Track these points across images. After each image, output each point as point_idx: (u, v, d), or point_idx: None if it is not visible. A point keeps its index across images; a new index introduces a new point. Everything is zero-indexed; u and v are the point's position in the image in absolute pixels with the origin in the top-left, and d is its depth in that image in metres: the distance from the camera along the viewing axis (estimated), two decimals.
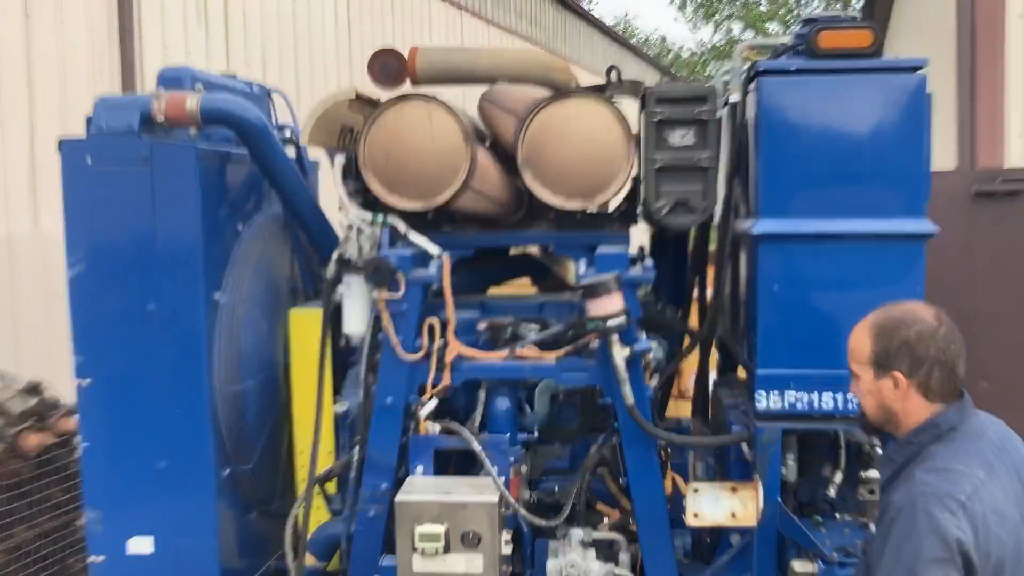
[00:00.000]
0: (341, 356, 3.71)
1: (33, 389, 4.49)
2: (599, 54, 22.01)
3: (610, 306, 3.07)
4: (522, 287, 4.63)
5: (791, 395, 3.10)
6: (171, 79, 3.52)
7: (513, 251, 4.41)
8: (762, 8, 38.09)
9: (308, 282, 3.98)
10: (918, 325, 2.22)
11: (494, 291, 4.21)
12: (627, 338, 3.14)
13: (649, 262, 3.31)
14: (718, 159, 3.24)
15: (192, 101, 3.22)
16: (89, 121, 3.27)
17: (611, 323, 3.06)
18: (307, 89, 9.68)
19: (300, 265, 3.95)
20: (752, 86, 3.15)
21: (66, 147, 3.28)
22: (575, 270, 3.38)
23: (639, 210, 3.51)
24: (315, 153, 4.09)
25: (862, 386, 2.32)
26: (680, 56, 41.28)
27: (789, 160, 3.05)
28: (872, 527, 2.51)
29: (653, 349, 3.22)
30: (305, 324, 3.59)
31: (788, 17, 37.67)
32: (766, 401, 3.09)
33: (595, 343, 3.25)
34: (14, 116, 6.30)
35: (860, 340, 2.31)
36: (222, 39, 8.59)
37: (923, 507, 2.05)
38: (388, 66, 3.61)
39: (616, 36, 24.07)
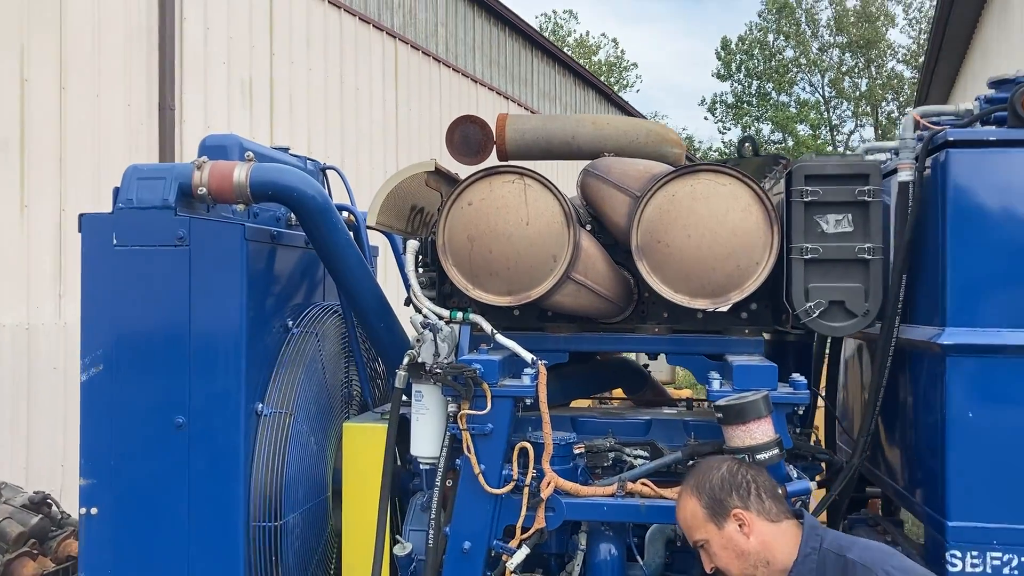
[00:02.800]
0: (403, 481, 3.05)
1: (37, 505, 3.87)
2: None
3: (760, 435, 2.40)
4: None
5: (995, 557, 2.39)
6: (215, 148, 3.03)
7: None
8: (792, 110, 38.13)
9: (367, 390, 3.35)
10: (718, 466, 2.32)
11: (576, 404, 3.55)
12: (776, 475, 2.46)
13: (799, 377, 2.63)
14: (884, 250, 2.62)
15: (241, 172, 2.70)
16: (116, 192, 2.73)
17: (760, 456, 2.39)
18: (352, 171, 9.28)
19: (359, 369, 3.33)
20: (930, 161, 2.55)
21: (87, 223, 2.75)
22: (707, 385, 2.72)
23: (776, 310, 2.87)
24: (374, 238, 3.53)
25: (715, 548, 2.25)
26: (707, 156, 41.38)
27: (987, 253, 2.44)
28: None
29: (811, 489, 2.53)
30: (362, 441, 2.97)
31: (818, 120, 37.75)
32: (963, 563, 2.39)
33: None
34: (41, 194, 5.84)
35: (687, 509, 2.31)
36: (267, 118, 8.23)
37: (883, 567, 2.07)
38: (470, 136, 3.10)
39: None
